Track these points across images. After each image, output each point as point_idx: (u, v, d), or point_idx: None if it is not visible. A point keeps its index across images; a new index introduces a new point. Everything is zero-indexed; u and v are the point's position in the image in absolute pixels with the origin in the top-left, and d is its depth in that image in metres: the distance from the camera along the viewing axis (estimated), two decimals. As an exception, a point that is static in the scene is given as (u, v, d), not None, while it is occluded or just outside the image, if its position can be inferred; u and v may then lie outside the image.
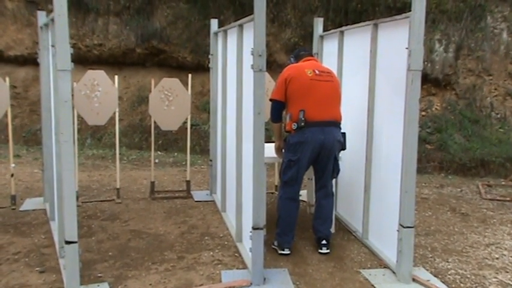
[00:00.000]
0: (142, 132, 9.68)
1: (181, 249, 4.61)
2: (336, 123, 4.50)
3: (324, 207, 4.66)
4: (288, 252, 4.50)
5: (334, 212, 4.89)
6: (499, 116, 9.46)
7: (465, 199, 6.78)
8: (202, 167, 8.25)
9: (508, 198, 6.75)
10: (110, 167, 8.09)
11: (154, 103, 6.05)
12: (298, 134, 4.39)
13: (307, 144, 4.37)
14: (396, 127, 4.10)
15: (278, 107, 4.55)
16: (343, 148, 4.65)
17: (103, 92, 5.75)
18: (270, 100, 4.59)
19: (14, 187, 5.83)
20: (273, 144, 5.02)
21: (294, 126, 4.38)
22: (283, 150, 4.64)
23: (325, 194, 4.66)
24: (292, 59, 4.84)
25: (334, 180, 4.79)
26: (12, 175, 5.79)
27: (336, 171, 4.64)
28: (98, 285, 3.83)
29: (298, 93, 4.39)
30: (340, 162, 4.71)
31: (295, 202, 4.58)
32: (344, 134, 4.62)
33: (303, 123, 4.34)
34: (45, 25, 4.92)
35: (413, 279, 4.02)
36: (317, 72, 4.47)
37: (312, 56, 4.82)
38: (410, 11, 3.81)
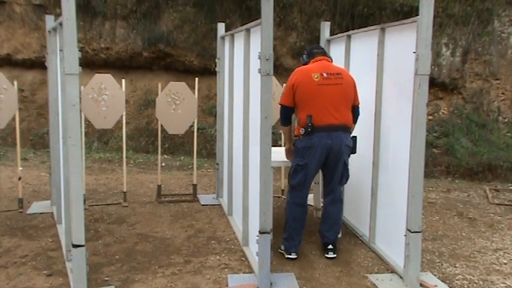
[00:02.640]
0: (149, 135, 9.69)
1: (187, 253, 4.61)
2: (344, 128, 4.46)
3: (331, 213, 4.64)
4: (295, 256, 4.50)
5: (341, 218, 4.86)
6: (506, 120, 9.41)
7: (472, 204, 6.74)
8: (208, 170, 8.25)
9: (515, 203, 6.72)
10: (117, 170, 8.11)
11: (161, 107, 6.06)
12: (305, 139, 4.38)
13: (315, 149, 4.37)
14: (403, 131, 4.09)
15: (287, 112, 4.55)
16: (353, 152, 4.63)
17: (110, 95, 5.77)
18: (280, 104, 4.60)
19: (21, 190, 5.85)
20: (279, 148, 5.01)
21: (302, 131, 4.38)
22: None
23: (333, 200, 4.63)
24: (304, 56, 4.79)
25: (341, 185, 4.77)
26: (19, 178, 5.82)
27: (345, 177, 4.61)
28: (105, 289, 3.84)
29: (306, 99, 4.38)
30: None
31: (303, 207, 4.57)
32: (355, 137, 4.61)
33: (309, 129, 4.33)
34: (53, 29, 4.95)
35: (421, 285, 4.01)
36: (325, 75, 4.43)
37: (324, 54, 4.71)
38: (417, 15, 3.80)
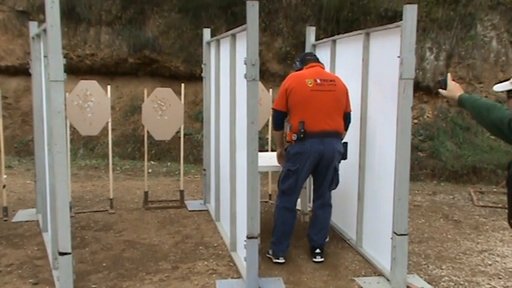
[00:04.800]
0: (135, 142, 9.66)
1: (175, 259, 4.60)
2: (336, 134, 4.48)
3: (319, 217, 4.66)
4: (283, 261, 4.50)
5: (330, 223, 4.87)
6: (490, 123, 9.50)
7: (457, 206, 6.81)
8: (195, 176, 8.24)
9: (499, 205, 6.79)
10: (103, 177, 8.06)
11: (147, 113, 6.05)
12: (298, 145, 4.39)
13: (307, 155, 4.38)
14: (389, 135, 4.12)
15: (280, 116, 4.56)
16: (344, 158, 4.65)
17: (96, 102, 5.74)
18: (272, 109, 4.62)
19: (6, 198, 5.79)
20: (266, 153, 5.01)
21: (294, 137, 4.38)
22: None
23: (322, 204, 4.65)
24: (297, 63, 4.81)
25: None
26: (4, 186, 5.76)
27: (335, 182, 4.63)
28: (92, 297, 3.81)
29: (299, 104, 4.39)
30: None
31: (292, 212, 4.58)
32: (346, 143, 4.62)
33: (302, 135, 4.34)
34: (37, 35, 4.92)
35: (408, 287, 4.03)
36: (318, 81, 4.44)
37: (317, 61, 4.74)
38: (401, 19, 3.84)
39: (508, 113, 2.68)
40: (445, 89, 3.23)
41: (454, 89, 3.18)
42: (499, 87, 2.68)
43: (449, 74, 3.29)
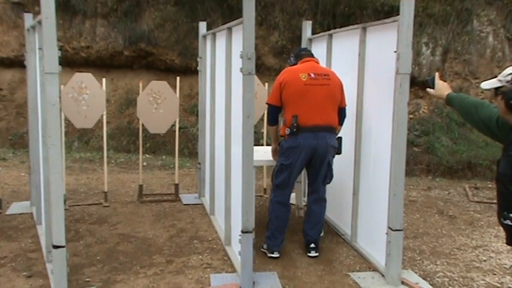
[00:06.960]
0: (130, 135, 9.62)
1: (170, 253, 4.59)
2: (330, 128, 4.47)
3: (314, 212, 4.66)
4: (277, 255, 4.50)
5: (324, 217, 4.87)
6: (485, 118, 9.51)
7: (452, 201, 6.82)
8: (190, 170, 8.22)
9: (494, 201, 6.78)
10: (98, 170, 8.04)
11: (143, 106, 6.02)
12: (291, 139, 4.39)
13: (300, 149, 4.37)
14: (385, 130, 4.12)
15: (274, 111, 4.56)
16: (339, 152, 4.64)
17: (91, 94, 5.71)
18: (267, 104, 4.61)
19: (0, 191, 5.77)
20: (261, 147, 4.99)
21: (287, 131, 4.38)
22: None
23: (316, 199, 4.65)
24: (292, 58, 4.80)
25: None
26: (-2, 179, 5.74)
27: (329, 177, 4.62)
28: (86, 290, 3.80)
29: (292, 98, 4.38)
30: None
31: (286, 206, 4.58)
32: (340, 138, 4.62)
33: (295, 129, 4.33)
34: (32, 27, 4.88)
35: (402, 282, 4.04)
36: (312, 75, 4.43)
37: (311, 56, 4.73)
38: (398, 14, 3.83)
39: (496, 111, 2.71)
40: (432, 88, 3.24)
41: (442, 87, 3.20)
42: (486, 85, 2.68)
43: (436, 73, 3.29)
